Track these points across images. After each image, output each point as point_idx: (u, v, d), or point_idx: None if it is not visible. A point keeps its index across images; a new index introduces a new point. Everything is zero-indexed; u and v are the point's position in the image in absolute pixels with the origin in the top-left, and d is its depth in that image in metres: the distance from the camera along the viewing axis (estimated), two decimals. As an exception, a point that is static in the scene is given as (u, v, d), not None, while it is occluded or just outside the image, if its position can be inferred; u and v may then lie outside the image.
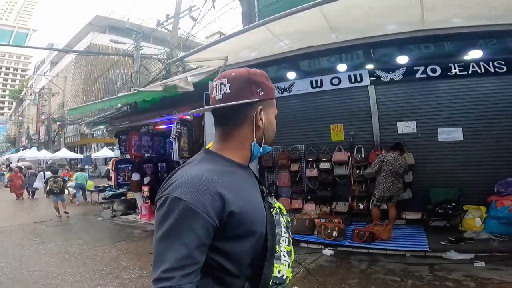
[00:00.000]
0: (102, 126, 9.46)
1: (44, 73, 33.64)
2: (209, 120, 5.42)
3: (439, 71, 5.24)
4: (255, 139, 0.92)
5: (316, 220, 4.90)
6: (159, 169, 8.48)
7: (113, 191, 8.91)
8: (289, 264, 0.90)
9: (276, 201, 0.99)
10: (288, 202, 6.26)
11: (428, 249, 3.97)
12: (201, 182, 0.80)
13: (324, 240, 4.50)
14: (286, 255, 0.90)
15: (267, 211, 0.92)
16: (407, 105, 5.61)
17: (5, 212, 10.22)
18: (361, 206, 5.46)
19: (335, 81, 6.00)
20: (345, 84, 5.91)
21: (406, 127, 5.62)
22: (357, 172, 5.62)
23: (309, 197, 6.06)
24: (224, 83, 0.90)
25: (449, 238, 4.07)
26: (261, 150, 0.95)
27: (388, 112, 5.72)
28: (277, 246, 0.89)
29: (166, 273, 0.75)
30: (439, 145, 5.31)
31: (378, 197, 4.71)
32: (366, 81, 5.77)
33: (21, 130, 49.20)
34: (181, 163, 1.44)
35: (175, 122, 6.02)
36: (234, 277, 0.85)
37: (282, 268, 0.87)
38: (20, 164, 20.45)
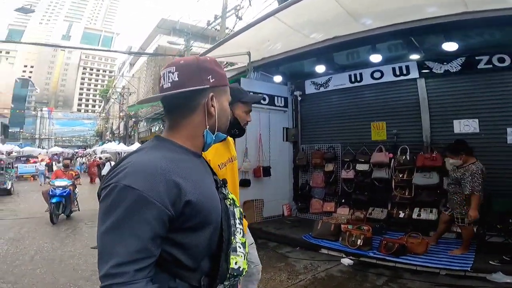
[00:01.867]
0: (156, 122, 10.34)
1: (123, 74, 38.33)
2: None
3: (508, 61, 4.26)
4: (207, 127, 0.89)
5: (342, 225, 4.50)
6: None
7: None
8: (244, 256, 0.88)
9: (230, 193, 0.97)
10: (321, 204, 5.92)
11: (469, 268, 3.28)
12: (155, 170, 0.75)
13: (346, 248, 4.10)
14: (241, 246, 0.88)
15: (222, 201, 0.90)
16: (467, 100, 4.72)
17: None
18: (401, 215, 4.82)
19: (377, 74, 5.40)
20: (389, 77, 5.27)
21: (466, 125, 4.73)
22: (400, 176, 4.98)
23: (343, 200, 5.62)
24: (172, 71, 0.86)
25: (503, 257, 3.30)
26: (214, 138, 0.92)
27: (442, 108, 4.91)
28: (232, 237, 0.87)
29: (116, 268, 0.69)
30: (507, 148, 4.33)
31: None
32: (414, 73, 5.05)
33: (106, 125, 57.06)
34: None
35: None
36: (190, 271, 0.81)
37: (238, 260, 0.86)
38: (102, 155, 24.00)
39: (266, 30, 4.07)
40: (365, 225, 4.37)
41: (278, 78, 6.07)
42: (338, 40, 4.18)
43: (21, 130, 45.13)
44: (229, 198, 0.94)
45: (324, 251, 4.35)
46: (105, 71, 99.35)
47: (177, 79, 0.85)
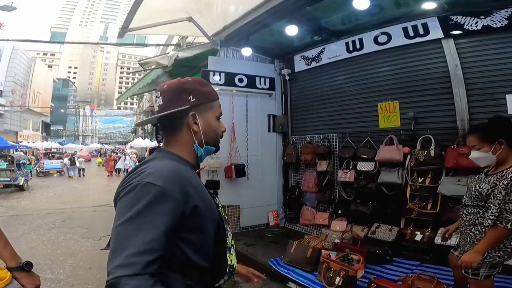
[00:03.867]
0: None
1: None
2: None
3: None
4: (196, 142, 0.98)
5: (323, 251, 3.10)
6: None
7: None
8: (235, 255, 1.02)
9: (220, 202, 1.06)
10: (313, 214, 4.51)
11: None
12: (174, 173, 0.85)
13: (322, 286, 2.71)
14: (232, 247, 1.01)
15: (217, 209, 0.99)
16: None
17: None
18: (418, 237, 3.26)
19: (382, 38, 3.83)
20: (399, 40, 3.70)
21: (526, 103, 3.03)
22: (419, 180, 3.40)
23: (339, 211, 4.15)
24: (158, 95, 0.97)
25: None
26: (203, 151, 0.99)
27: (485, 79, 3.22)
28: (226, 239, 1.00)
29: (129, 258, 0.70)
30: None
31: None
32: (437, 33, 3.43)
33: (140, 122, 59.34)
34: None
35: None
36: (197, 268, 0.88)
37: (232, 258, 0.99)
38: (129, 151, 25.06)
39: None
40: (354, 254, 2.93)
41: (247, 51, 4.71)
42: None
43: (63, 128, 48.45)
44: (220, 206, 1.04)
45: (292, 286, 3.01)
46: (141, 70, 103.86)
47: (162, 102, 0.96)
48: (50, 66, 78.53)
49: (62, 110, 40.42)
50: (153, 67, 4.74)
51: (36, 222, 6.70)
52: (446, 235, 2.23)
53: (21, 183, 12.44)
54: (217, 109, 1.02)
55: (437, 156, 3.22)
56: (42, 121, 35.48)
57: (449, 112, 3.41)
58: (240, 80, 4.86)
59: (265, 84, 5.10)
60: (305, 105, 4.91)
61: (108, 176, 18.18)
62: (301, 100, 5.00)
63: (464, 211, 1.98)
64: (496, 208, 1.74)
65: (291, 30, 3.95)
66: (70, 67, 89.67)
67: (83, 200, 9.96)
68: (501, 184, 1.76)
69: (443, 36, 3.41)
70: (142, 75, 6.76)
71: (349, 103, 4.26)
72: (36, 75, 31.90)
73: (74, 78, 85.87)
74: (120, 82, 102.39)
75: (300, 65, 4.95)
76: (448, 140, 3.32)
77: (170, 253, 0.80)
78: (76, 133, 54.85)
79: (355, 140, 4.10)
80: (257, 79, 5.03)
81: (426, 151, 3.31)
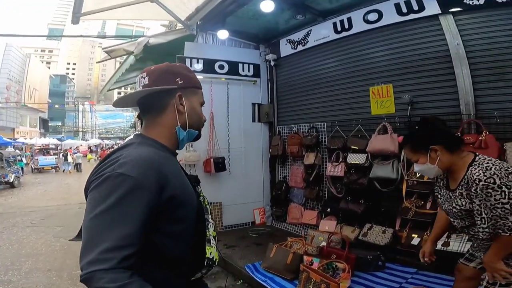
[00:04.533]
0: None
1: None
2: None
3: None
4: (179, 124, 0.94)
5: (305, 257, 2.69)
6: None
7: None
8: (216, 247, 0.96)
9: (202, 191, 1.03)
10: (300, 212, 4.10)
11: None
12: (149, 161, 0.80)
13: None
14: (212, 239, 0.96)
15: (197, 198, 0.96)
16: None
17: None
18: (415, 240, 2.84)
19: (372, 16, 3.39)
20: (391, 18, 3.27)
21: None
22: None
23: (328, 209, 3.73)
24: (143, 76, 0.94)
25: None
26: (185, 134, 0.96)
27: (492, 57, 2.76)
28: (206, 230, 0.95)
29: (103, 254, 0.67)
30: None
31: None
32: (433, 8, 3.00)
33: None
34: None
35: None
36: (173, 260, 0.85)
37: (212, 250, 0.93)
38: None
39: None
40: (340, 262, 2.52)
41: (223, 34, 4.27)
42: None
43: (61, 124, 48.21)
44: (201, 195, 1.01)
45: (270, 298, 2.61)
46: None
47: (147, 82, 0.93)
48: (48, 63, 78.11)
49: (56, 106, 40.02)
50: (120, 54, 4.29)
51: (14, 220, 6.41)
52: (426, 259, 1.80)
53: (11, 180, 12.14)
54: (200, 97, 1.03)
55: (437, 146, 2.78)
56: (39, 117, 35.17)
57: (452, 96, 2.96)
58: (221, 67, 4.43)
59: (249, 71, 4.66)
60: (292, 92, 4.46)
61: None
62: (288, 87, 4.55)
63: (455, 223, 1.59)
64: (486, 218, 1.38)
65: (267, 6, 3.49)
66: (68, 63, 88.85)
67: (72, 197, 9.67)
68: (473, 192, 1.39)
69: (440, 12, 2.96)
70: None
71: (338, 88, 3.80)
72: (32, 72, 31.48)
73: (73, 74, 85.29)
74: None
75: (286, 49, 4.49)
76: (451, 127, 2.87)
77: (146, 244, 0.76)
78: (75, 128, 54.58)
79: (345, 129, 3.66)
80: (240, 65, 4.59)
81: (424, 141, 2.87)
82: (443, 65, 2.99)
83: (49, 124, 40.10)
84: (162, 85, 0.91)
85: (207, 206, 1.00)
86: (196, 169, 4.20)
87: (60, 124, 47.34)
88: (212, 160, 4.13)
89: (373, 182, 3.27)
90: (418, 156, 1.56)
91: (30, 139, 26.64)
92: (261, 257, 3.20)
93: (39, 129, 34.95)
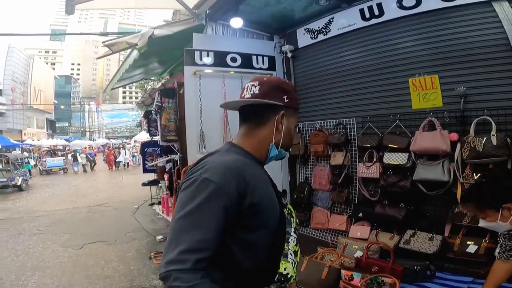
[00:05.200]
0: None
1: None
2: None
3: None
4: (273, 141, 0.97)
5: (344, 271, 2.33)
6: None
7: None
8: (294, 263, 0.94)
9: (288, 203, 1.03)
10: (326, 217, 3.73)
11: None
12: (232, 168, 0.84)
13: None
14: (293, 254, 0.94)
15: (281, 209, 0.96)
16: None
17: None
18: (471, 248, 2.45)
19: (409, 1, 2.94)
20: (432, 3, 2.80)
21: None
22: (474, 176, 2.55)
23: (360, 214, 3.35)
24: (255, 84, 0.98)
25: None
26: (277, 153, 0.98)
27: None
28: (286, 244, 0.94)
29: (181, 255, 0.73)
30: None
31: None
32: None
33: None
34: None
35: (157, 92, 4.28)
36: (243, 270, 0.85)
37: (288, 266, 0.91)
38: (133, 144, 25.37)
39: None
40: (386, 276, 2.15)
41: (237, 22, 3.85)
42: None
43: (68, 125, 48.44)
44: (287, 207, 1.00)
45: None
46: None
47: (257, 92, 0.96)
48: (53, 64, 78.40)
49: (62, 107, 40.09)
50: (122, 47, 3.93)
51: (21, 227, 6.21)
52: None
53: (18, 183, 12.04)
54: (297, 119, 1.05)
55: (502, 145, 2.36)
56: (46, 118, 35.28)
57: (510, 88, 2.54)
58: (233, 60, 4.04)
59: (263, 64, 4.25)
60: (313, 85, 4.06)
61: (109, 169, 19.34)
62: (308, 80, 4.15)
63: None
64: None
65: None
66: (73, 64, 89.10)
67: (80, 200, 9.51)
68: None
69: (493, -2, 2.53)
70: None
71: (368, 81, 3.38)
72: (36, 73, 31.49)
73: (78, 75, 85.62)
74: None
75: (304, 39, 4.08)
76: None
77: (220, 249, 0.79)
78: (82, 129, 54.82)
79: (379, 126, 3.25)
80: (254, 57, 4.19)
81: (484, 138, 2.43)
82: (500, 54, 2.57)
83: (56, 125, 40.30)
84: (271, 99, 0.94)
85: (293, 219, 1.00)
86: (211, 173, 3.85)
87: (67, 124, 47.54)
88: (228, 162, 3.78)
89: (417, 185, 2.87)
90: (485, 214, 1.48)
91: (38, 140, 26.68)
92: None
93: (47, 130, 35.10)
